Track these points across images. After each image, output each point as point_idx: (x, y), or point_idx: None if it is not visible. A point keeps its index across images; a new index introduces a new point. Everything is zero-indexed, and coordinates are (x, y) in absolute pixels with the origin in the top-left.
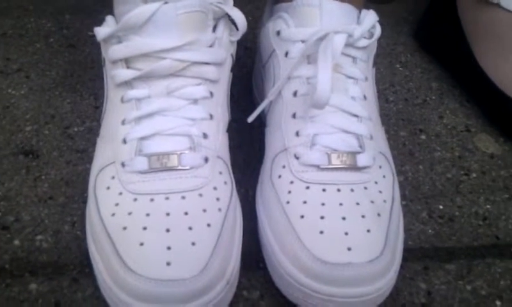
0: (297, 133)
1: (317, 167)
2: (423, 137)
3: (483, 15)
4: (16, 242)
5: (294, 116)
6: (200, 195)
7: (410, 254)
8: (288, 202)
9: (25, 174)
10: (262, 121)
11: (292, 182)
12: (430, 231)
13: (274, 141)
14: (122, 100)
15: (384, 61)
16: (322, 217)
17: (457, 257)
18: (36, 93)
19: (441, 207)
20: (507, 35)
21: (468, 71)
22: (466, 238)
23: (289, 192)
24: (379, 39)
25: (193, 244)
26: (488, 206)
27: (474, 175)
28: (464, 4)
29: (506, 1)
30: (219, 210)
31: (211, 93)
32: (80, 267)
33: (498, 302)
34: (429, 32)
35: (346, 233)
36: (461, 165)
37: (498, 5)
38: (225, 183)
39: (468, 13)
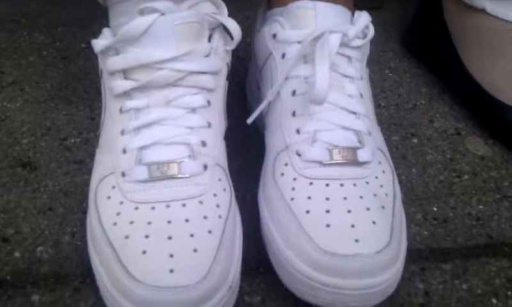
0: (298, 131)
1: (320, 163)
2: (415, 140)
3: (470, 20)
4: (17, 254)
5: (293, 114)
6: (200, 202)
7: (407, 255)
8: (292, 198)
9: (24, 187)
10: (257, 127)
11: (295, 179)
12: (425, 232)
13: (274, 140)
14: (121, 111)
15: (374, 67)
16: (327, 211)
17: (453, 257)
18: (31, 105)
19: (435, 209)
20: (493, 40)
21: (456, 76)
22: (460, 239)
23: (293, 188)
24: None
25: (195, 250)
26: (481, 207)
27: (466, 177)
28: (451, 10)
29: (492, 7)
30: (220, 216)
31: (208, 102)
32: (82, 277)
33: (494, 300)
34: (417, 38)
35: (353, 225)
36: (452, 168)
37: (484, 11)
38: (224, 189)
39: (454, 19)
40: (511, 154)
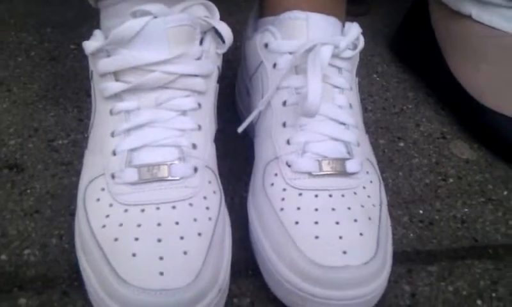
0: (288, 142)
1: (309, 174)
2: (401, 144)
3: (455, 26)
4: (3, 257)
5: (284, 125)
6: (190, 204)
7: (394, 258)
8: (282, 209)
9: (11, 189)
10: (246, 131)
11: (284, 189)
12: (411, 235)
13: (264, 149)
14: (111, 113)
15: (362, 72)
16: (316, 223)
17: (439, 259)
18: (19, 106)
19: (421, 212)
20: (478, 46)
21: (442, 80)
22: (446, 241)
23: (283, 199)
24: None
25: (185, 253)
26: (466, 210)
27: (451, 180)
28: (438, 16)
29: (477, 13)
30: (210, 219)
31: (199, 104)
32: (70, 280)
33: (479, 302)
34: (404, 43)
35: (340, 237)
36: (438, 171)
37: (470, 17)
38: (214, 192)
39: (441, 25)
40: (495, 158)
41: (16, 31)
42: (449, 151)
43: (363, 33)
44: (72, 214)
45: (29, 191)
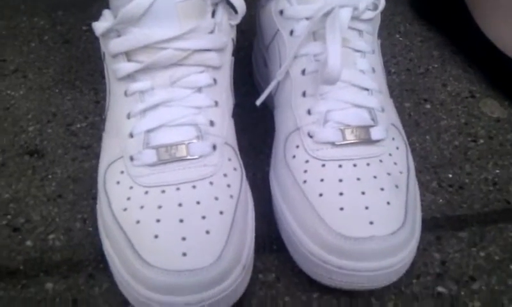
0: (308, 112)
1: (332, 144)
2: (428, 106)
3: None
4: (29, 243)
5: (304, 94)
6: (211, 183)
7: (422, 225)
8: (305, 181)
9: (32, 175)
10: (264, 103)
11: (307, 161)
12: (441, 200)
13: (284, 121)
14: (126, 94)
15: (383, 33)
16: (341, 194)
17: (469, 224)
18: (35, 92)
19: (450, 176)
20: None
21: (469, 37)
22: (477, 205)
23: (305, 171)
24: None
25: (207, 232)
26: (497, 171)
27: (481, 141)
28: None
29: None
30: (231, 196)
31: (215, 80)
32: (95, 262)
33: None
34: (426, 0)
35: (367, 207)
36: (467, 132)
37: None
38: (235, 169)
39: None
40: None
41: (27, 16)
42: (479, 110)
43: None
44: (94, 198)
45: (50, 176)
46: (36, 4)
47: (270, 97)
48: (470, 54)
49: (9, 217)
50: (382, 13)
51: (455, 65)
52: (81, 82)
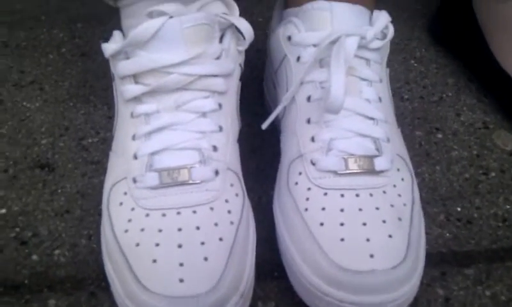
0: (312, 139)
1: (334, 172)
2: (439, 136)
3: (499, 7)
4: (35, 257)
5: (308, 121)
6: (211, 209)
7: (427, 259)
8: (306, 209)
9: (42, 188)
10: (274, 125)
11: (309, 189)
12: (448, 234)
13: (289, 147)
14: (132, 116)
15: (399, 57)
16: (342, 224)
17: (476, 261)
18: (50, 105)
19: (459, 209)
20: None
21: (485, 66)
22: (485, 241)
23: (307, 199)
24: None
25: (205, 259)
26: (508, 207)
27: (493, 174)
28: None
29: None
30: (231, 223)
31: (220, 105)
32: (98, 281)
33: None
34: (443, 26)
35: (368, 240)
36: (479, 164)
37: None
38: (236, 195)
39: (483, 6)
40: None
41: (47, 27)
42: (492, 142)
43: (400, 16)
44: (100, 214)
45: (59, 191)
46: (57, 16)
47: (277, 120)
48: (485, 84)
49: (17, 229)
50: (397, 37)
51: (470, 94)
52: (95, 96)
